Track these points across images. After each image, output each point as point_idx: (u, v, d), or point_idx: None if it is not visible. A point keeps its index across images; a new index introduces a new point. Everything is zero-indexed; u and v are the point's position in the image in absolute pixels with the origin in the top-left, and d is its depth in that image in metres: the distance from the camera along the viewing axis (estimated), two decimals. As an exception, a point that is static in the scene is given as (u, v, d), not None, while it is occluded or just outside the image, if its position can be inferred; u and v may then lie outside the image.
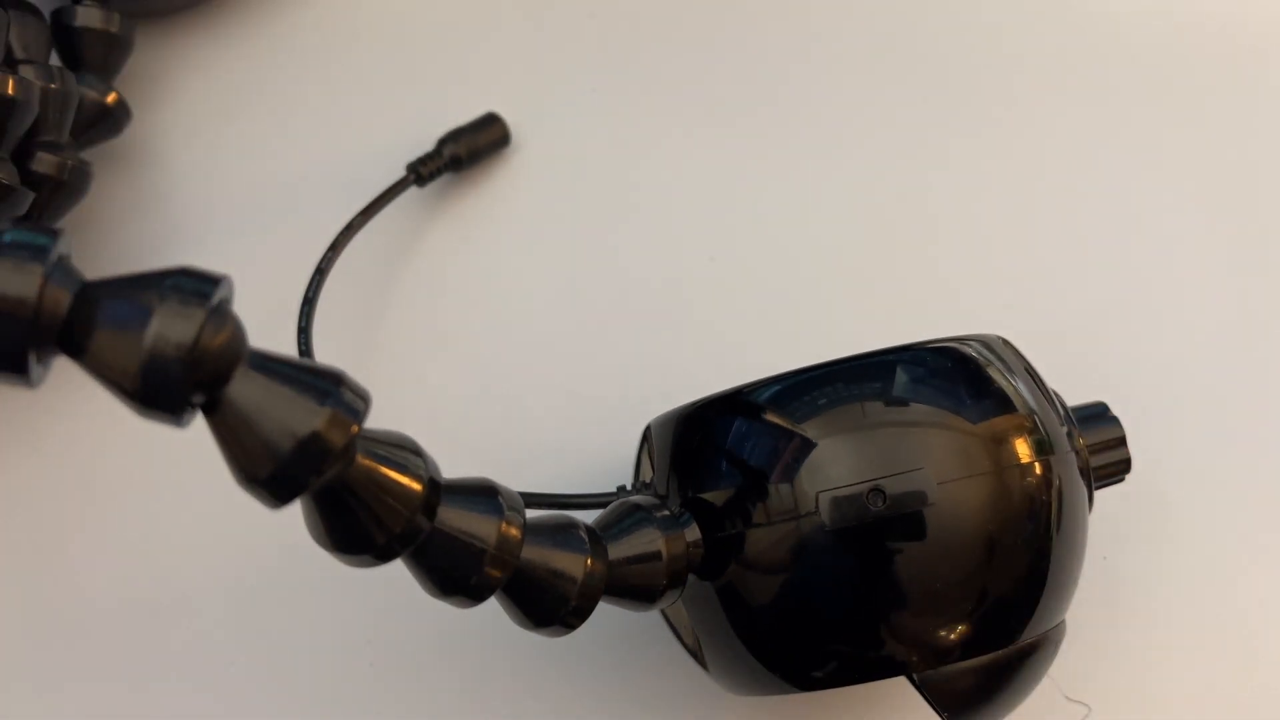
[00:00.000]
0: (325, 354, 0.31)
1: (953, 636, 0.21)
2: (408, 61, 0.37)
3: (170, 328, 0.15)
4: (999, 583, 0.21)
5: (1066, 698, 0.27)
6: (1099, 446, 0.25)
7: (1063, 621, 0.23)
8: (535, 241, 0.35)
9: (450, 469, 0.20)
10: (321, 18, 0.38)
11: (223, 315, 0.15)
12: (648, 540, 0.22)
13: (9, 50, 0.30)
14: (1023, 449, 0.22)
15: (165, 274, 0.15)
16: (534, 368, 0.32)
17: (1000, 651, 0.22)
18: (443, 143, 0.34)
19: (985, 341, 0.23)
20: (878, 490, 0.21)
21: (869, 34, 0.37)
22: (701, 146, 0.36)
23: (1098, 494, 0.25)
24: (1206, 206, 0.34)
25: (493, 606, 0.21)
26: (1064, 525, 0.22)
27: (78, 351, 0.15)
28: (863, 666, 0.22)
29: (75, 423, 0.32)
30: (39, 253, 0.14)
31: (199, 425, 0.16)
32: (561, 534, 0.21)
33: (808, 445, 0.21)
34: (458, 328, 0.33)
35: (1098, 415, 0.25)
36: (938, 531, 0.21)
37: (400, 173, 0.34)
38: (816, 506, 0.21)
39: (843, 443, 0.21)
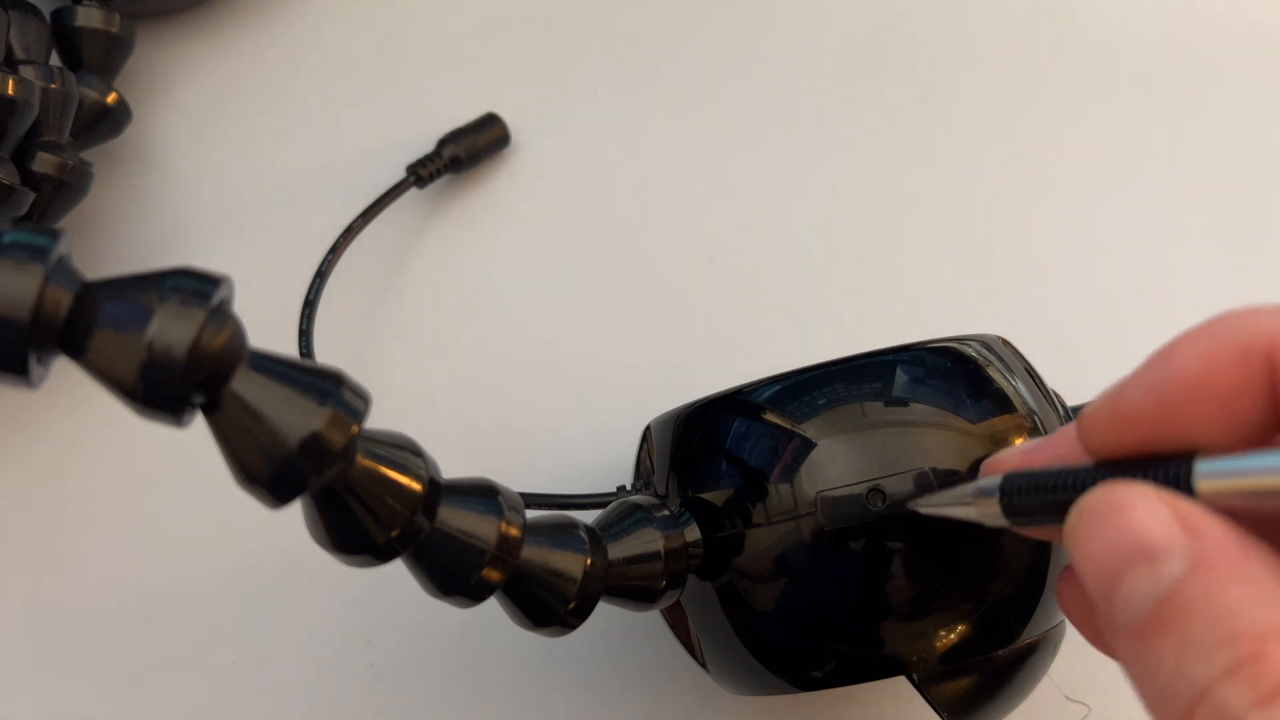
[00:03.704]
0: (326, 355, 0.31)
1: (952, 636, 0.21)
2: (408, 62, 0.37)
3: (170, 328, 0.15)
4: (999, 583, 0.21)
5: (1066, 698, 0.27)
6: (1099, 446, 0.25)
7: (1063, 621, 0.23)
8: (535, 242, 0.35)
9: (450, 469, 0.20)
10: (321, 19, 0.38)
11: (223, 316, 0.15)
12: (647, 540, 0.22)
13: (9, 50, 0.30)
14: (1022, 449, 0.22)
15: (165, 274, 0.15)
16: (534, 368, 0.32)
17: (1000, 651, 0.22)
18: (442, 144, 0.34)
19: (985, 341, 0.23)
20: (877, 490, 0.21)
21: (870, 36, 0.37)
22: (701, 147, 0.36)
23: (1097, 494, 0.25)
24: (1208, 207, 0.34)
25: (493, 606, 0.21)
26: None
27: (78, 352, 0.15)
28: (862, 666, 0.22)
29: (75, 423, 0.32)
30: (39, 253, 0.14)
31: (199, 425, 0.16)
32: (561, 534, 0.21)
33: (807, 445, 0.21)
34: (458, 328, 0.33)
35: (1097, 415, 0.25)
36: (937, 531, 0.21)
37: (400, 174, 0.34)
38: (816, 506, 0.21)
39: (842, 443, 0.21)
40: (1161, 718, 0.14)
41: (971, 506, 0.18)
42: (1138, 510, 0.14)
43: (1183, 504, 0.14)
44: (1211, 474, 0.15)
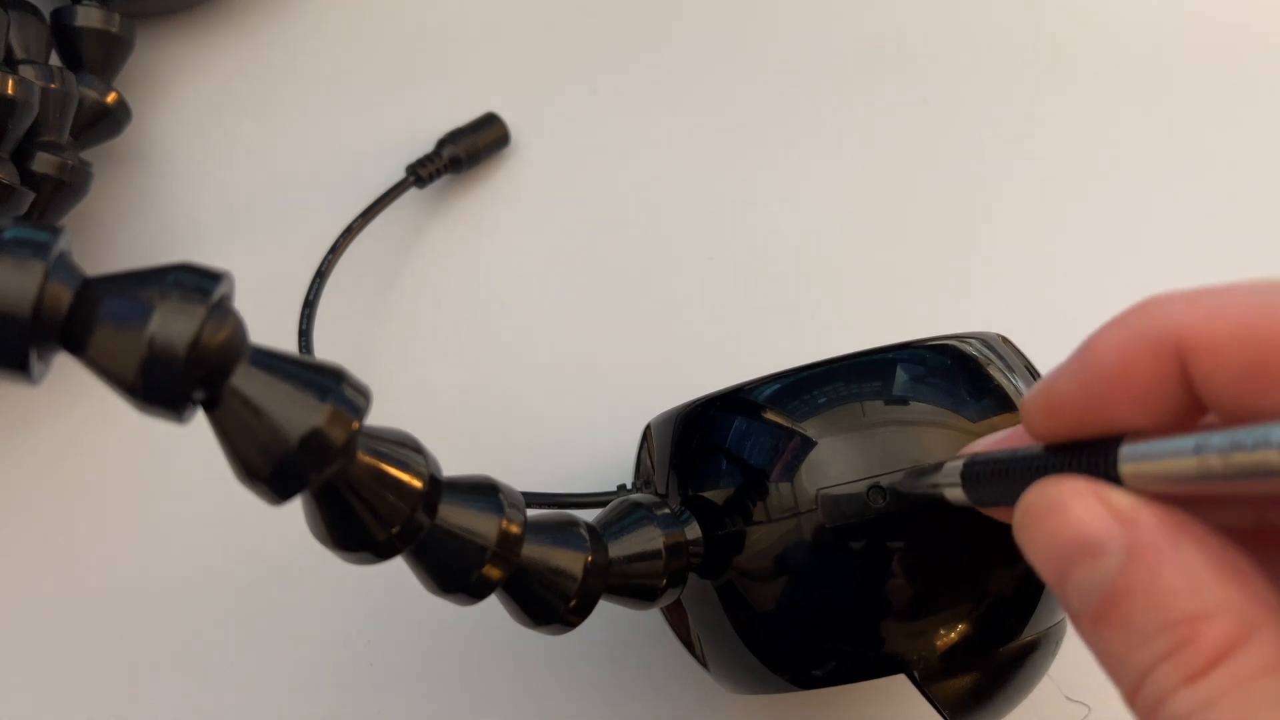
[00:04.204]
0: (326, 355, 0.31)
1: (953, 634, 0.21)
2: (408, 62, 0.37)
3: (171, 324, 0.15)
4: (999, 580, 0.21)
5: (1067, 698, 0.27)
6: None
7: (1063, 619, 0.23)
8: (535, 242, 0.35)
9: (451, 467, 0.20)
10: (321, 19, 0.38)
11: (224, 311, 0.15)
12: (648, 538, 0.22)
13: (9, 50, 0.30)
14: (1023, 447, 0.22)
15: (166, 270, 0.15)
16: (534, 367, 0.32)
17: (1001, 649, 0.22)
18: (442, 144, 0.34)
19: (984, 339, 0.23)
20: (878, 488, 0.21)
21: (869, 35, 0.37)
22: (701, 147, 0.36)
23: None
24: (1208, 205, 0.34)
25: (493, 605, 0.21)
26: (1064, 523, 0.22)
27: (78, 348, 0.15)
28: (863, 665, 0.22)
29: (75, 420, 0.32)
30: (40, 249, 0.14)
31: (200, 422, 0.16)
32: (562, 532, 0.21)
33: (807, 443, 0.21)
34: (458, 328, 0.33)
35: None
36: (938, 529, 0.21)
37: (400, 174, 0.34)
38: (816, 504, 0.21)
39: (842, 440, 0.21)
40: (1122, 693, 0.15)
41: (942, 488, 0.19)
42: (1074, 507, 0.15)
43: (1115, 495, 0.15)
44: (1132, 458, 0.15)
